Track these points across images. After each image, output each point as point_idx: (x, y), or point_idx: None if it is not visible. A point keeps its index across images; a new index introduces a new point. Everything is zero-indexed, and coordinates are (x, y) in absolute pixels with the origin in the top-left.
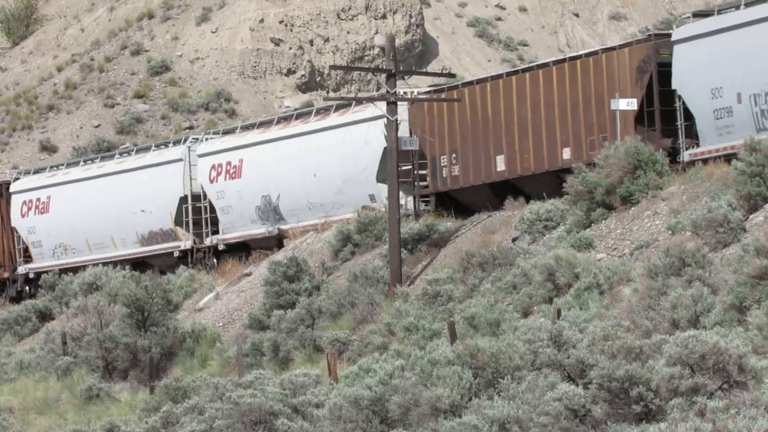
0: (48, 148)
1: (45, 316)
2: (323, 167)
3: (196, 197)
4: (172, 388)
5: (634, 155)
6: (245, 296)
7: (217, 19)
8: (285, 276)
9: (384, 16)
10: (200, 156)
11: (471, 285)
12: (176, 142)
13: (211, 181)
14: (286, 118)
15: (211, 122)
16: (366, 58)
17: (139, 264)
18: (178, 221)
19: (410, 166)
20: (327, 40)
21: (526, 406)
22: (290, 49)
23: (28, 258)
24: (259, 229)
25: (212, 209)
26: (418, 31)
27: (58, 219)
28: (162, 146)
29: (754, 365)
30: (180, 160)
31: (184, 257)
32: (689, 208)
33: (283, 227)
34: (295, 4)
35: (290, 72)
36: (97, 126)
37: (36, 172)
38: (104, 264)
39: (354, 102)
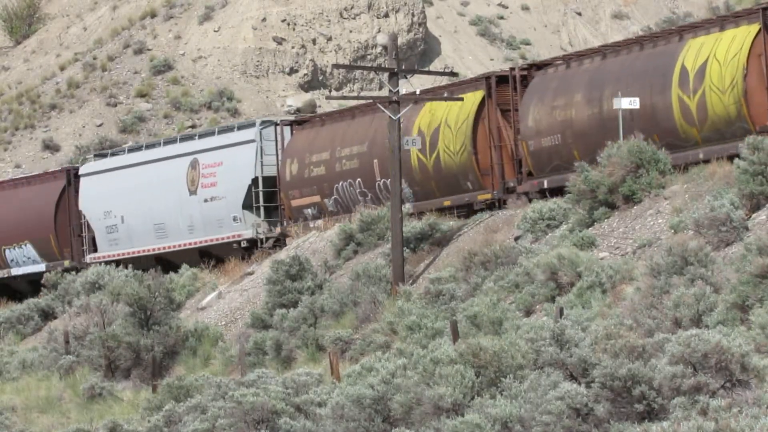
0: (51, 147)
1: (48, 315)
2: None
3: None
4: (174, 387)
5: (636, 154)
6: (248, 295)
7: (219, 17)
8: (287, 275)
9: (386, 15)
10: None
11: (473, 284)
12: None
13: None
14: None
15: (214, 121)
16: (368, 57)
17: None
18: None
19: None
20: (329, 39)
21: (528, 405)
22: (293, 48)
23: None
24: None
25: None
26: (421, 30)
27: None
28: None
29: (756, 364)
30: None
31: None
32: (692, 206)
33: None
34: (298, 3)
35: (293, 71)
36: (100, 125)
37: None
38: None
39: None
